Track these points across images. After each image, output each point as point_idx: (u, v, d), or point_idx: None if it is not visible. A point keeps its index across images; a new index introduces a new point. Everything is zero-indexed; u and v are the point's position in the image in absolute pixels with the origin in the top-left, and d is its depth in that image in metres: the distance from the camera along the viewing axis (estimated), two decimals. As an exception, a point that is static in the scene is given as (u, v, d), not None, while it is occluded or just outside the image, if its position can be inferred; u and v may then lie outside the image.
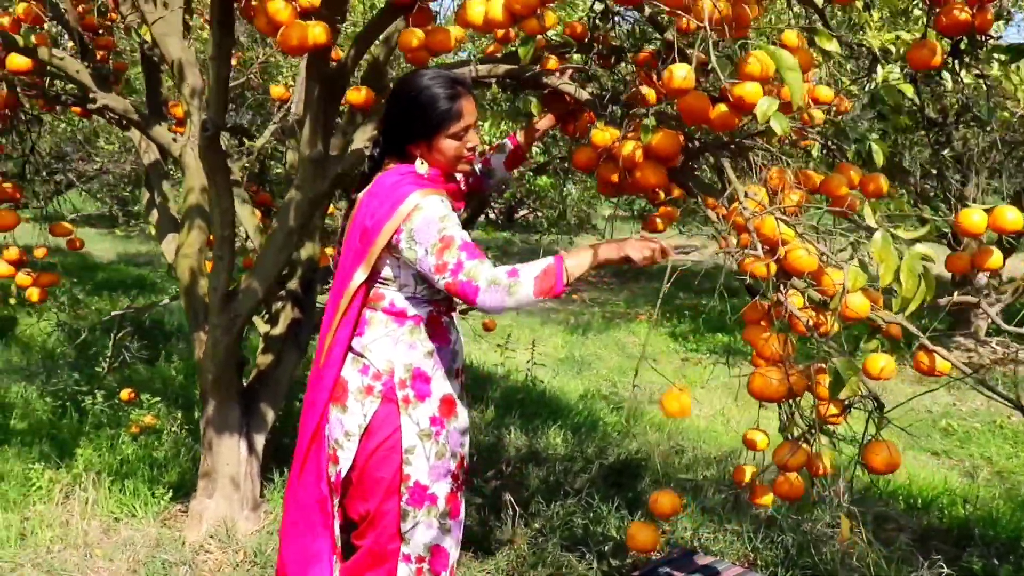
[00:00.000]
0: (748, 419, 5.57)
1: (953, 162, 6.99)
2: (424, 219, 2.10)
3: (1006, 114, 5.03)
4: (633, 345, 8.57)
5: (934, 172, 7.75)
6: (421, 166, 2.25)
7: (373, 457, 2.25)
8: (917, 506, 4.16)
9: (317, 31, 2.34)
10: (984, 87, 2.60)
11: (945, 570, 3.36)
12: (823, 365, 2.00)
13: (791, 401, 2.13)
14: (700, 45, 1.98)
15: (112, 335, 4.42)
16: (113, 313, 4.28)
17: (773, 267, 1.96)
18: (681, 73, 2.02)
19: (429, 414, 2.25)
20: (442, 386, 2.29)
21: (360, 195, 2.29)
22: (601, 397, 6.10)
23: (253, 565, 3.34)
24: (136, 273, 10.84)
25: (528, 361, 6.15)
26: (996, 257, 2.15)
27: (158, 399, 4.84)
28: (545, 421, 5.07)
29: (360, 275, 2.21)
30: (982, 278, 8.34)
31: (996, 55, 2.28)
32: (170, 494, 3.83)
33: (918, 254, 1.89)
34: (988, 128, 6.28)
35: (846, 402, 2.00)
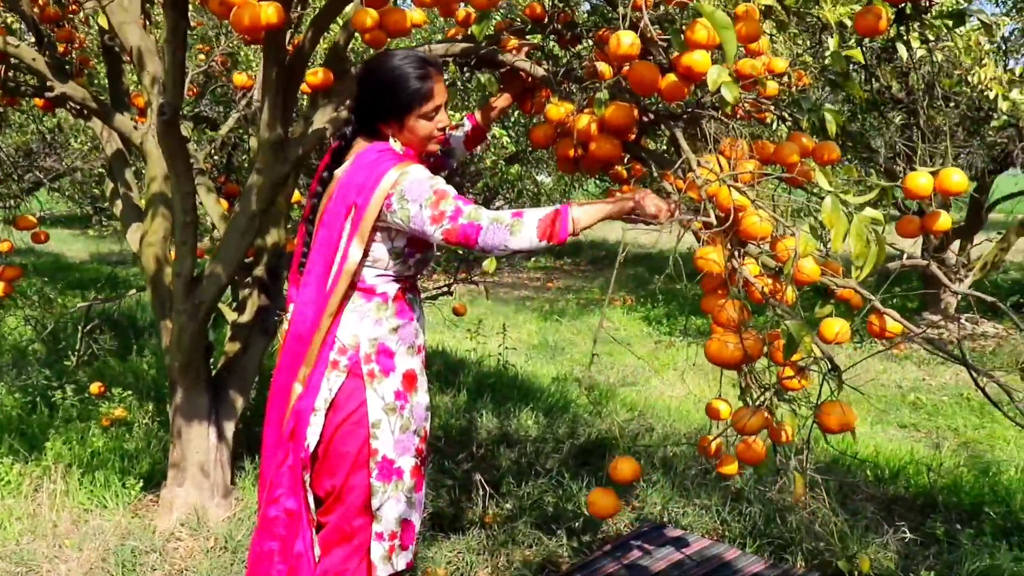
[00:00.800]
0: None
1: (921, 142, 7.05)
2: (413, 179, 2.13)
3: (967, 89, 5.07)
4: (607, 329, 8.61)
5: (904, 151, 7.81)
6: (395, 144, 2.27)
7: (339, 431, 2.25)
8: (884, 477, 4.21)
9: (269, 11, 2.34)
10: (932, 56, 2.62)
11: (908, 536, 3.41)
12: (779, 331, 2.03)
13: (748, 367, 2.16)
14: (644, 13, 2.00)
15: (80, 328, 4.39)
16: (80, 305, 4.24)
17: (728, 234, 1.99)
18: (627, 40, 2.04)
19: (394, 388, 2.27)
20: (405, 361, 2.31)
21: (338, 172, 2.28)
22: (574, 380, 6.12)
23: (224, 551, 3.34)
24: (109, 271, 10.76)
25: (500, 345, 6.16)
26: (945, 219, 2.18)
27: (129, 392, 4.82)
28: (517, 404, 5.09)
29: (356, 252, 2.19)
30: (951, 255, 8.44)
31: (940, 20, 2.31)
32: (141, 484, 3.81)
33: (867, 218, 1.92)
34: (952, 104, 6.33)
35: (802, 365, 2.03)
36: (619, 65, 2.26)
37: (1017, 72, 4.76)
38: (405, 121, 2.24)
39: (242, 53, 5.05)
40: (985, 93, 4.25)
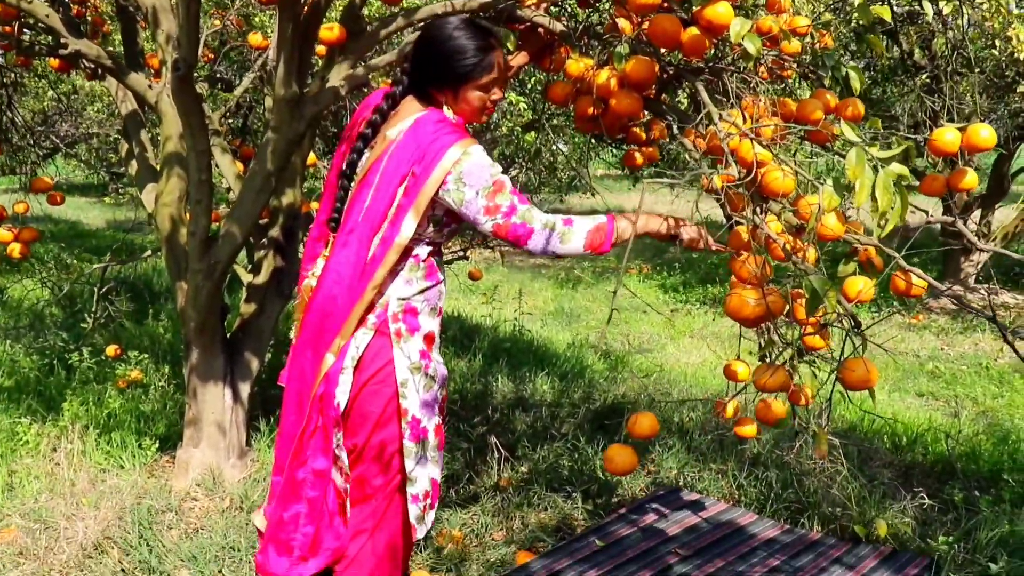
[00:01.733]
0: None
1: (944, 109, 6.96)
2: (475, 163, 2.11)
3: (994, 52, 5.00)
4: (623, 296, 8.58)
5: (926, 119, 7.72)
6: (447, 112, 2.25)
7: (364, 390, 2.23)
8: (902, 444, 4.18)
9: (285, -37, 2.30)
10: (961, 14, 2.56)
11: (927, 502, 3.39)
12: (800, 289, 2.00)
13: (770, 324, 2.13)
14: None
15: (96, 289, 4.39)
16: (95, 266, 4.24)
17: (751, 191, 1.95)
18: (649, -10, 1.99)
19: (418, 348, 2.25)
20: (427, 322, 2.29)
21: (390, 132, 2.23)
22: (589, 346, 6.11)
23: (239, 511, 3.35)
24: (126, 238, 10.80)
25: (516, 311, 6.15)
26: (971, 177, 2.13)
27: (145, 356, 4.84)
28: (532, 369, 5.08)
29: (410, 225, 2.15)
30: (971, 224, 8.35)
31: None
32: (157, 445, 3.83)
33: (893, 172, 1.88)
34: (977, 70, 6.24)
35: (823, 322, 2.00)
36: (640, 18, 2.22)
37: (1046, 33, 4.66)
38: (460, 91, 2.22)
39: (257, 18, 5.01)
40: (1015, 55, 4.16)
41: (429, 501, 2.32)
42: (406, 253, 2.22)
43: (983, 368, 6.01)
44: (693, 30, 2.10)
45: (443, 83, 2.22)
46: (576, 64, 2.44)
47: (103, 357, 4.77)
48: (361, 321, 2.22)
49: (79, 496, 3.41)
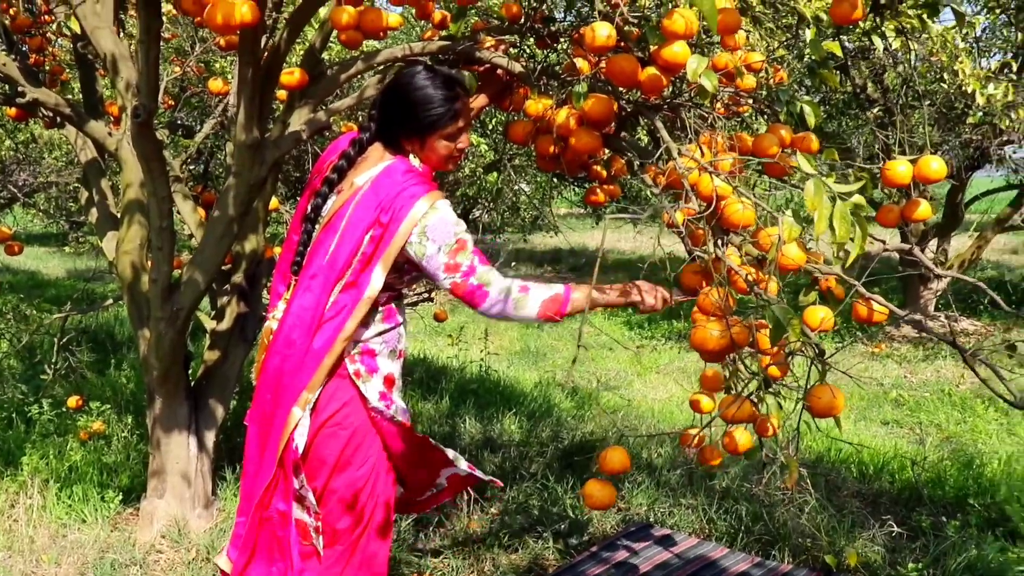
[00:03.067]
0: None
1: (897, 141, 7.12)
2: (440, 219, 2.12)
3: (943, 86, 5.12)
4: (589, 333, 8.59)
5: (881, 151, 7.88)
6: (413, 160, 2.27)
7: (319, 434, 2.22)
8: (868, 473, 4.21)
9: (244, 10, 2.30)
10: (908, 49, 2.63)
11: (895, 529, 3.41)
12: (763, 320, 2.02)
13: (734, 356, 2.15)
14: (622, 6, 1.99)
15: (56, 340, 4.33)
16: (55, 316, 4.18)
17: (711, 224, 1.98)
18: (603, 32, 2.04)
19: (378, 389, 2.25)
20: (387, 364, 2.29)
21: (358, 179, 2.22)
22: (556, 385, 6.10)
23: (206, 562, 3.29)
24: (87, 287, 10.65)
25: (482, 352, 6.14)
26: (924, 208, 2.19)
27: (107, 406, 4.76)
28: (500, 409, 5.07)
29: (379, 278, 2.15)
30: (928, 253, 8.49)
31: (914, 9, 2.31)
32: (120, 497, 3.76)
33: (850, 202, 1.91)
34: (928, 103, 6.39)
35: (788, 352, 2.02)
36: (597, 58, 2.25)
37: (993, 67, 4.80)
38: (427, 140, 2.24)
39: (218, 64, 5.02)
40: (963, 88, 4.27)
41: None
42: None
43: (945, 395, 6.09)
44: (651, 69, 2.14)
45: (410, 132, 2.23)
46: (535, 104, 2.47)
47: (64, 409, 4.69)
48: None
49: (39, 553, 3.33)
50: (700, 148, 2.23)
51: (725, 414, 1.97)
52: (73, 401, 4.67)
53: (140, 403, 5.03)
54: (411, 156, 2.28)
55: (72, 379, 5.36)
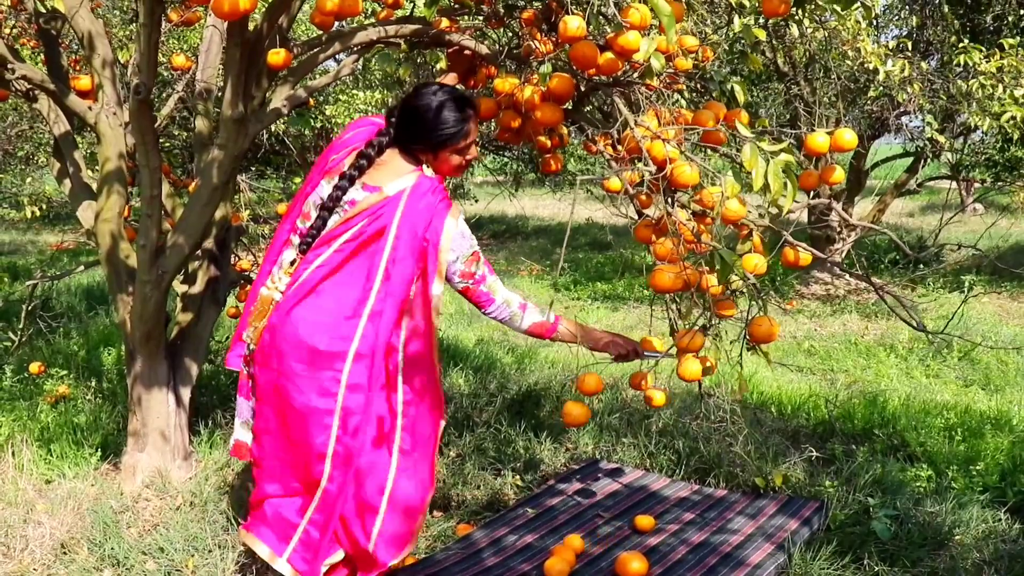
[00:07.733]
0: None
1: (805, 113, 7.63)
2: (460, 232, 2.51)
3: (848, 62, 5.60)
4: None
5: (788, 120, 8.40)
6: (426, 169, 2.60)
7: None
8: (787, 412, 4.69)
9: (245, -1, 2.56)
10: (818, 31, 3.01)
11: (815, 454, 3.88)
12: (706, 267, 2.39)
13: (686, 294, 2.53)
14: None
15: (24, 307, 4.48)
16: (28, 283, 4.34)
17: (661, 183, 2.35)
18: (575, 24, 2.37)
19: None
20: None
21: (387, 188, 2.50)
22: (495, 343, 6.45)
23: (192, 507, 3.54)
24: (7, 262, 10.55)
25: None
26: (839, 173, 2.60)
27: (66, 371, 4.94)
28: (446, 365, 5.39)
29: (439, 287, 2.49)
30: (834, 216, 9.08)
31: (830, 3, 2.69)
32: (98, 454, 3.97)
33: (781, 160, 2.30)
34: (833, 77, 6.89)
35: (731, 290, 2.41)
36: (567, 43, 2.59)
37: (891, 45, 5.28)
38: (440, 154, 2.57)
39: (172, 41, 5.16)
40: (865, 65, 4.72)
41: None
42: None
43: (852, 344, 6.65)
44: (608, 54, 2.48)
45: (425, 147, 2.56)
46: (503, 82, 2.79)
47: (26, 375, 4.85)
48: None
49: (31, 504, 3.54)
50: (655, 118, 2.59)
51: (681, 344, 2.35)
52: (35, 367, 4.84)
53: (97, 368, 5.21)
54: (424, 166, 2.59)
55: (27, 347, 5.48)
